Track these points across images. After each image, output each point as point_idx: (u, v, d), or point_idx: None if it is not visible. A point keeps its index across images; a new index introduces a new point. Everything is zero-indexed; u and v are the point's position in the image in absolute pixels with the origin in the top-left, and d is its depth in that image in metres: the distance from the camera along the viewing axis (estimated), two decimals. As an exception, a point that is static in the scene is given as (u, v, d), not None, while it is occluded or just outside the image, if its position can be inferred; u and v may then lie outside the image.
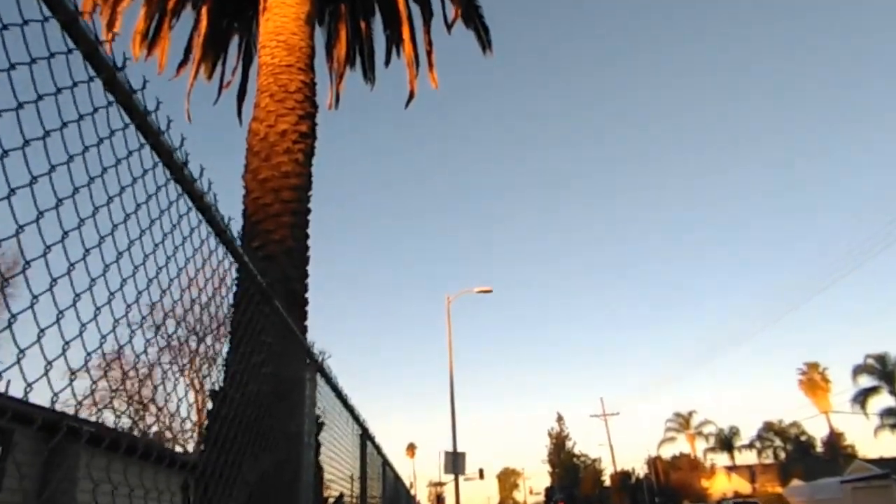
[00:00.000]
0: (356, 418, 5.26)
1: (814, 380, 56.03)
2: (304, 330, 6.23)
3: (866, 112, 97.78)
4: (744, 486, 52.56)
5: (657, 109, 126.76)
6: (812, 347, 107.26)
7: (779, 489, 45.98)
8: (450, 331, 19.37)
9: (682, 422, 62.86)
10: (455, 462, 17.23)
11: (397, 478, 10.88)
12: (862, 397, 43.16)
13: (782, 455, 56.02)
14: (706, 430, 60.91)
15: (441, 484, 55.02)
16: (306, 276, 6.40)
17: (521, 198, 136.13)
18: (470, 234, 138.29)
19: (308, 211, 6.77)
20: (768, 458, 56.36)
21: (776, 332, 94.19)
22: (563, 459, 74.80)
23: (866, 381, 43.62)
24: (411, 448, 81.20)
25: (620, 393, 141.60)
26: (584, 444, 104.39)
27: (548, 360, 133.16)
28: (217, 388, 5.93)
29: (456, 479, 17.44)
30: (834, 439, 54.02)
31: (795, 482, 41.77)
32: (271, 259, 5.97)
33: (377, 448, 7.39)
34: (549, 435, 78.19)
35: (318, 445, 5.80)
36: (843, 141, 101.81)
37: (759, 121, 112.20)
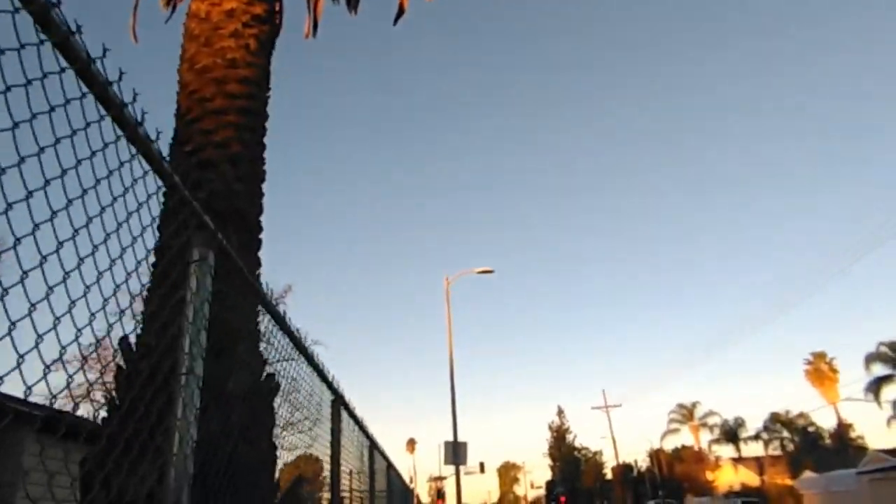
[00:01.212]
0: (316, 367, 3.71)
1: (821, 370, 54.96)
2: (258, 265, 4.68)
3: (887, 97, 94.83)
4: (751, 479, 51.25)
5: (674, 77, 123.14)
6: (818, 337, 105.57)
7: (788, 481, 44.64)
8: (449, 313, 17.86)
9: (686, 413, 61.55)
10: (456, 452, 15.77)
11: (390, 466, 9.33)
12: (875, 386, 41.74)
13: (790, 447, 54.77)
14: (710, 421, 59.63)
15: (441, 478, 53.79)
16: (260, 195, 4.85)
17: (522, 178, 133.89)
18: (468, 217, 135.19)
19: (265, 115, 5.22)
20: (775, 450, 55.10)
21: (782, 322, 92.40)
22: (563, 453, 74.05)
23: (879, 370, 42.26)
24: (411, 443, 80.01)
25: (623, 385, 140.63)
26: (586, 436, 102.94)
27: (548, 352, 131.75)
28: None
29: (457, 470, 15.96)
30: (842, 430, 52.87)
31: (807, 474, 40.35)
32: (209, 166, 4.41)
33: (358, 423, 5.83)
34: (550, 428, 77.53)
35: (272, 411, 4.25)
36: (855, 125, 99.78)
37: (775, 100, 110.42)
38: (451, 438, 15.81)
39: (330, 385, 4.12)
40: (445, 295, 17.62)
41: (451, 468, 16.86)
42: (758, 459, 53.72)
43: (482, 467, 36.42)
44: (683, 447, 61.48)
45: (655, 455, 59.72)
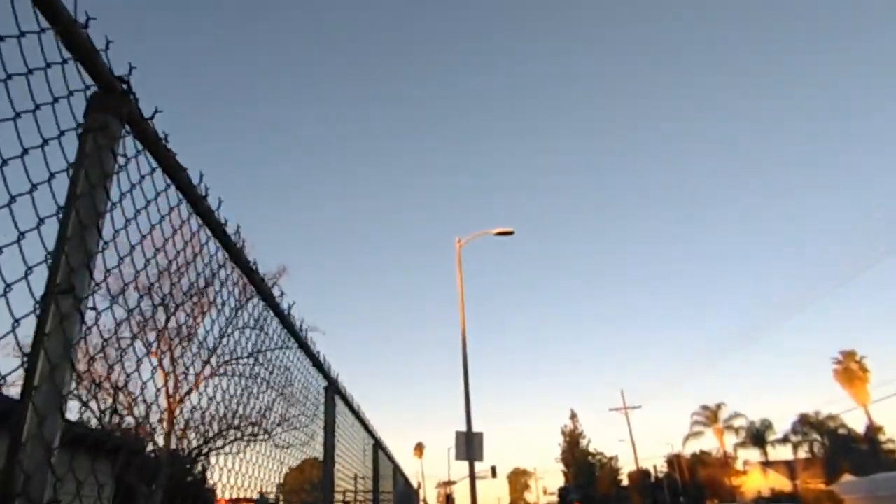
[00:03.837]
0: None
1: (850, 369, 52.35)
2: None
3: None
4: (781, 484, 48.38)
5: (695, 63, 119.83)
6: (847, 335, 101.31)
7: (822, 486, 41.84)
8: (461, 280, 15.34)
9: (710, 415, 58.67)
10: (469, 444, 13.21)
11: (379, 446, 6.78)
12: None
13: (819, 450, 51.96)
14: (736, 423, 56.74)
15: (450, 483, 51.50)
16: None
17: (522, 178, 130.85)
18: (476, 215, 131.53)
19: None
20: (804, 454, 52.29)
21: (808, 319, 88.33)
22: (577, 458, 71.81)
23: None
24: (419, 448, 77.57)
25: (639, 388, 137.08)
26: (601, 440, 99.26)
27: (560, 354, 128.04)
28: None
29: (471, 467, 13.39)
30: (873, 433, 50.25)
31: (847, 477, 37.60)
32: None
33: (320, 366, 3.28)
34: (563, 433, 75.38)
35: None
36: (881, 115, 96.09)
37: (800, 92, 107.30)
38: (465, 425, 13.28)
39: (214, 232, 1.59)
40: (457, 260, 15.13)
41: (461, 472, 14.43)
42: (788, 463, 50.89)
43: (494, 471, 34.12)
44: (702, 452, 59.01)
45: (675, 460, 57.12)
